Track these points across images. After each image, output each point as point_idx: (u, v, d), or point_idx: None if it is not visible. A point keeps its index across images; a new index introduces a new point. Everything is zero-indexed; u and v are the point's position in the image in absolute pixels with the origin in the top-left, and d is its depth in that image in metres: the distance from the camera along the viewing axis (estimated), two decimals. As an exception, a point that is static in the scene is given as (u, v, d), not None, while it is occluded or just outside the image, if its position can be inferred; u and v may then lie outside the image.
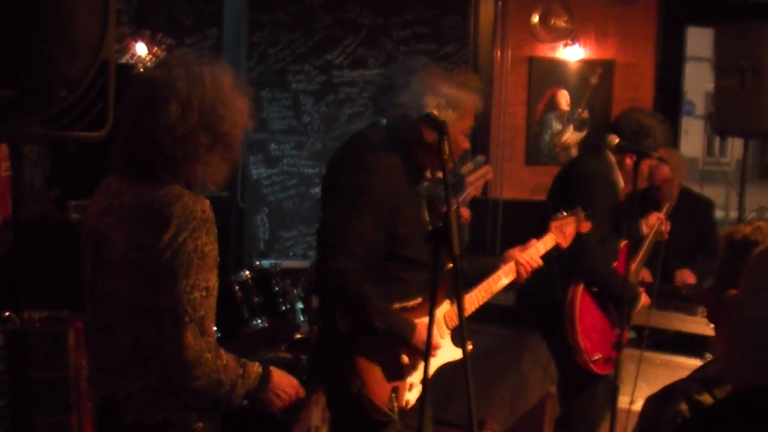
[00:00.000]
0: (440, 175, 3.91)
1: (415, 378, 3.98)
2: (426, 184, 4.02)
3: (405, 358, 3.90)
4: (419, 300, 3.94)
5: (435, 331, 3.93)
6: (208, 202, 2.96)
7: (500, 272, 4.23)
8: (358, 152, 3.98)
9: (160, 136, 2.86)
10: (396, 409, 3.90)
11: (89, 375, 3.24)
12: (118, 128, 2.98)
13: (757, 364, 1.72)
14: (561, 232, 4.45)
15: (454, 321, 4.01)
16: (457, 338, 4.02)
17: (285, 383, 3.24)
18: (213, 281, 2.92)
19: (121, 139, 2.97)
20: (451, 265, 3.89)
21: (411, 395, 3.97)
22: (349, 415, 3.97)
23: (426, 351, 3.42)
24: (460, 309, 3.37)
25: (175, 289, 2.84)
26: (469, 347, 4.00)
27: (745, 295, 1.80)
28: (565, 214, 4.48)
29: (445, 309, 4.03)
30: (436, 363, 3.96)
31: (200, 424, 3.05)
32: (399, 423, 3.94)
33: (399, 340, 3.84)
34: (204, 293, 2.88)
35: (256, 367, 3.08)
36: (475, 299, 4.14)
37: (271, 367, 3.18)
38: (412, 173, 3.95)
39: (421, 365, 3.92)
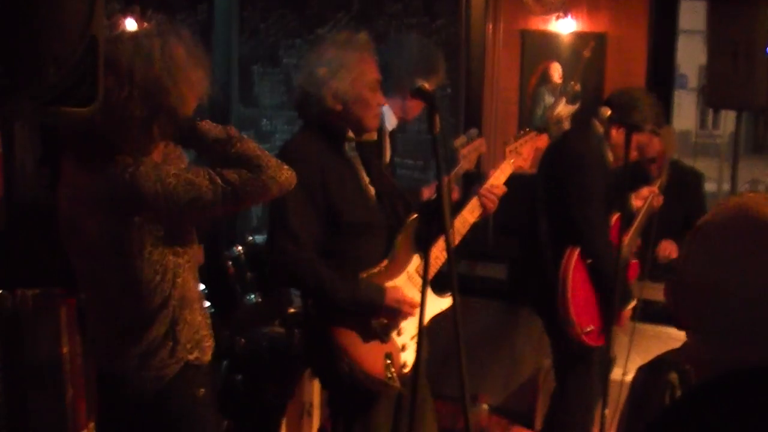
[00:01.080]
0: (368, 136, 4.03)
1: (406, 338, 3.99)
2: (352, 144, 4.03)
3: (383, 321, 3.90)
4: (385, 263, 3.94)
5: (410, 287, 3.94)
6: (179, 150, 3.10)
7: (464, 212, 4.23)
8: (281, 151, 3.96)
9: (109, 100, 2.82)
10: (395, 374, 3.91)
11: (89, 348, 3.26)
12: None
13: (742, 345, 1.71)
14: (518, 155, 4.44)
15: (430, 270, 3.98)
16: (437, 288, 4.03)
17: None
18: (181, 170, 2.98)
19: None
20: (413, 216, 3.92)
21: (406, 355, 3.97)
22: (346, 392, 3.99)
23: (419, 320, 3.43)
24: (454, 291, 3.36)
25: (206, 197, 2.94)
26: (448, 300, 3.99)
27: (721, 272, 1.79)
28: (521, 133, 4.47)
29: (415, 264, 4.04)
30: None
31: (201, 390, 3.10)
32: (401, 388, 3.96)
33: (371, 307, 3.84)
34: (204, 172, 2.98)
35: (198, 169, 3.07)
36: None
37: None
38: (333, 142, 3.95)
39: (408, 325, 3.94)
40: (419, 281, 3.97)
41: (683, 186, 6.14)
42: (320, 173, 3.84)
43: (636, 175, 5.42)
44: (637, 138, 4.81)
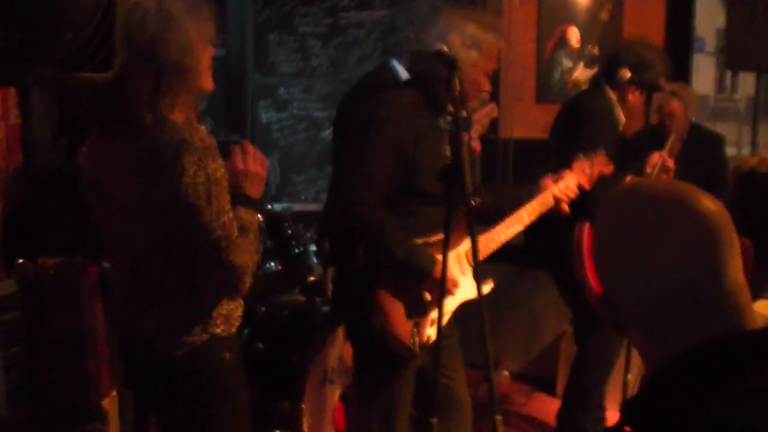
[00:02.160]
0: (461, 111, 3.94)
1: (436, 314, 3.99)
2: (448, 118, 4.01)
3: (426, 294, 3.91)
4: (440, 236, 3.94)
5: (456, 267, 3.95)
6: (203, 128, 2.98)
7: (535, 203, 4.25)
8: (374, 90, 3.96)
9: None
10: (417, 344, 3.92)
11: (115, 313, 3.26)
12: None
13: (671, 331, 1.68)
14: (583, 173, 4.44)
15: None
16: (476, 276, 4.03)
17: (256, 180, 3.21)
18: (229, 201, 2.96)
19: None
20: (476, 200, 3.91)
21: (432, 330, 3.97)
22: (372, 350, 4.00)
23: (440, 288, 3.43)
24: (475, 248, 3.37)
25: (203, 221, 2.87)
26: (490, 286, 4.04)
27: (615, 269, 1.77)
28: (588, 155, 4.46)
29: (467, 246, 4.02)
30: (455, 300, 3.98)
31: (227, 354, 3.11)
32: (420, 358, 3.97)
33: (420, 273, 3.84)
34: (230, 215, 2.93)
35: (245, 216, 3.09)
36: (506, 230, 4.14)
37: (244, 193, 3.15)
38: (432, 107, 3.94)
39: (444, 303, 3.94)
40: (465, 263, 4.03)
41: (704, 149, 6.10)
42: (412, 132, 3.83)
43: (658, 137, 5.39)
44: (656, 98, 4.78)
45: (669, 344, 1.66)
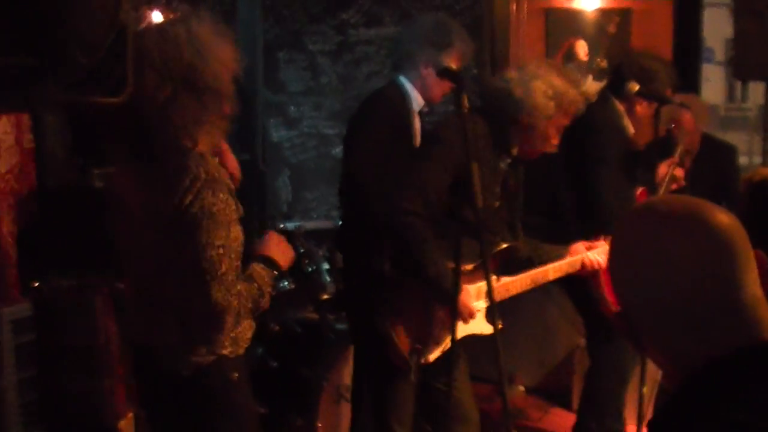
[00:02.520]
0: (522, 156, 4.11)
1: (441, 343, 4.01)
2: (509, 160, 4.07)
3: (441, 314, 3.92)
4: (471, 266, 3.96)
5: (476, 300, 3.96)
6: (214, 161, 3.01)
7: (564, 264, 4.31)
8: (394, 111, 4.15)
9: (143, 109, 2.87)
10: (415, 360, 3.93)
11: (127, 323, 3.29)
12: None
13: (691, 341, 1.68)
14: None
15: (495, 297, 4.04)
16: (490, 315, 4.06)
17: (273, 243, 3.26)
18: (230, 238, 2.94)
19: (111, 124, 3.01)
20: (504, 245, 3.95)
21: (432, 355, 3.99)
22: (370, 352, 4.03)
23: (452, 310, 3.45)
24: (486, 266, 3.38)
25: (191, 249, 2.90)
26: (499, 326, 4.07)
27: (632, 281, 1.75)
28: None
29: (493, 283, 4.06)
30: (464, 330, 3.99)
31: (235, 374, 3.12)
32: (413, 374, 3.99)
33: (443, 297, 3.85)
34: (220, 251, 2.91)
35: (257, 269, 3.12)
36: (530, 280, 4.17)
37: (257, 249, 3.21)
38: (498, 144, 3.97)
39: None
40: (481, 301, 4.06)
41: (716, 160, 6.10)
42: (469, 158, 3.88)
43: (667, 148, 5.39)
44: (665, 109, 4.79)
45: (689, 360, 1.66)
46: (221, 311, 2.95)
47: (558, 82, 3.96)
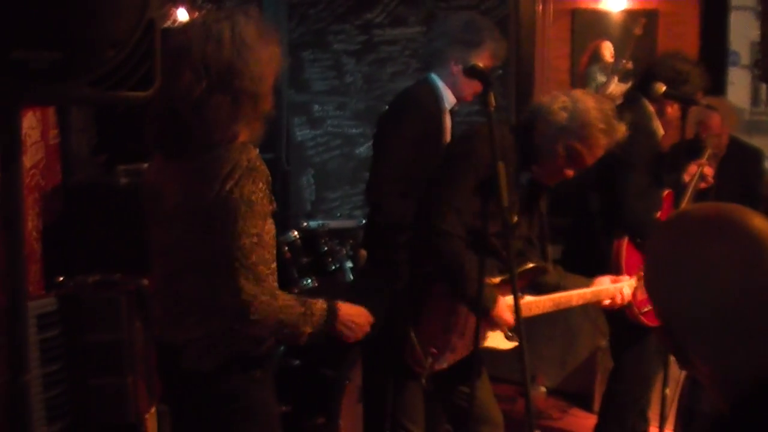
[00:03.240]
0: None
1: (455, 353, 4.02)
2: (527, 177, 4.07)
3: (461, 324, 3.94)
4: (498, 280, 3.97)
5: (507, 313, 3.95)
6: (255, 151, 3.00)
7: (588, 293, 4.33)
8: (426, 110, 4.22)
9: (177, 105, 2.91)
10: (428, 365, 3.94)
11: (154, 321, 3.30)
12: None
13: (742, 353, 1.65)
14: (640, 288, 4.44)
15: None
16: (511, 335, 4.12)
17: (354, 314, 3.27)
18: (265, 229, 2.94)
19: (149, 118, 3.02)
20: (531, 265, 3.95)
21: (445, 362, 4.02)
22: (385, 354, 4.04)
23: (476, 330, 3.44)
24: (510, 261, 3.37)
25: (225, 236, 2.90)
26: (514, 344, 4.09)
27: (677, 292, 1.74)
28: None
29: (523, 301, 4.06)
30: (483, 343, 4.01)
31: (257, 372, 3.12)
32: (424, 380, 3.99)
33: (482, 311, 3.85)
34: (255, 239, 2.91)
35: (320, 304, 3.11)
36: (552, 303, 4.19)
37: (339, 302, 3.21)
38: (520, 160, 3.96)
39: (469, 343, 3.98)
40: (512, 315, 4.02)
41: (743, 163, 6.08)
42: (495, 157, 3.90)
43: (691, 150, 5.38)
44: (692, 111, 4.77)
45: (739, 376, 1.64)
46: (247, 303, 2.90)
47: (592, 121, 3.94)
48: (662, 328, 1.77)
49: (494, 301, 3.90)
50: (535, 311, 4.14)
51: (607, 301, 4.36)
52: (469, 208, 3.83)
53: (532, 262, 4.14)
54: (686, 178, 5.16)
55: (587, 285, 4.31)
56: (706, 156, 5.26)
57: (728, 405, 1.66)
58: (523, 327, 3.30)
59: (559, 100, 3.94)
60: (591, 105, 3.93)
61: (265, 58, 3.01)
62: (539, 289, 4.10)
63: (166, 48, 2.83)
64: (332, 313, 3.15)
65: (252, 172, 2.92)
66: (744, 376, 1.62)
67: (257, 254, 2.91)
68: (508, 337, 4.08)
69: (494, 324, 3.93)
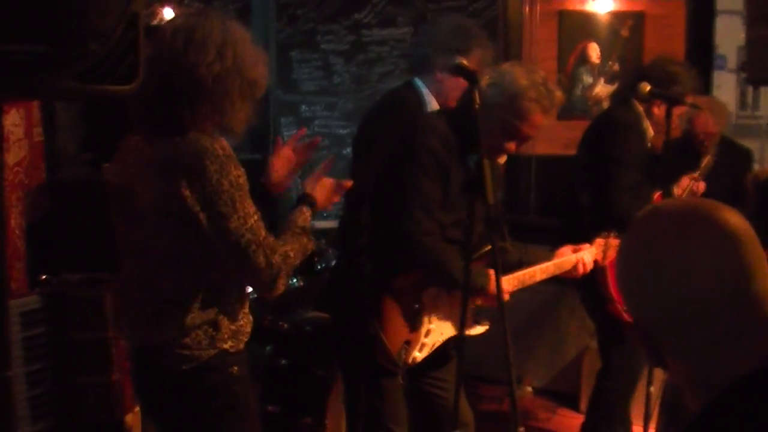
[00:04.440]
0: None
1: (428, 340, 4.00)
2: (474, 158, 4.03)
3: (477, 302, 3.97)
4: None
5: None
6: (223, 139, 3.07)
7: (551, 265, 4.27)
8: (407, 112, 4.10)
9: (201, 70, 2.96)
10: (403, 360, 3.93)
11: (125, 326, 3.30)
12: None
13: (719, 355, 1.64)
14: (602, 252, 4.43)
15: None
16: (480, 316, 4.12)
17: (326, 191, 3.45)
18: (255, 204, 3.05)
19: (148, 85, 3.01)
20: (490, 247, 3.94)
21: (419, 354, 3.99)
22: (358, 355, 4.03)
23: (462, 303, 3.44)
24: (496, 260, 3.37)
25: (231, 226, 2.95)
26: (486, 327, 4.07)
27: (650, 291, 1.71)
28: (611, 236, 4.44)
29: None
30: (451, 332, 4.03)
31: (235, 368, 3.13)
32: (401, 376, 3.99)
33: (477, 290, 3.87)
34: (255, 217, 3.00)
35: (304, 215, 3.30)
36: (518, 280, 4.15)
37: (309, 193, 3.38)
38: (465, 144, 3.94)
39: (435, 329, 3.96)
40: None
41: (733, 163, 6.10)
42: (448, 157, 3.88)
43: (687, 152, 5.39)
44: (679, 111, 4.78)
45: (710, 365, 1.63)
46: (273, 276, 3.03)
47: (523, 86, 3.90)
48: (635, 326, 1.75)
49: (486, 277, 3.87)
50: (512, 288, 4.12)
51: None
52: (434, 202, 3.84)
53: (491, 244, 4.11)
54: (677, 191, 5.19)
55: (549, 258, 4.29)
56: (704, 163, 5.28)
57: (700, 405, 1.64)
58: (506, 313, 3.30)
59: (485, 77, 3.90)
60: (518, 76, 3.88)
61: (261, 61, 3.14)
62: (503, 268, 4.05)
63: (182, 22, 3.04)
64: (314, 208, 3.34)
65: (231, 159, 2.98)
66: (719, 376, 1.61)
67: (262, 228, 3.02)
68: (477, 321, 4.07)
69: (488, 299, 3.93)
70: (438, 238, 3.87)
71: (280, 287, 3.08)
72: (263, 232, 3.00)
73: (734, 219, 1.66)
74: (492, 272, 3.79)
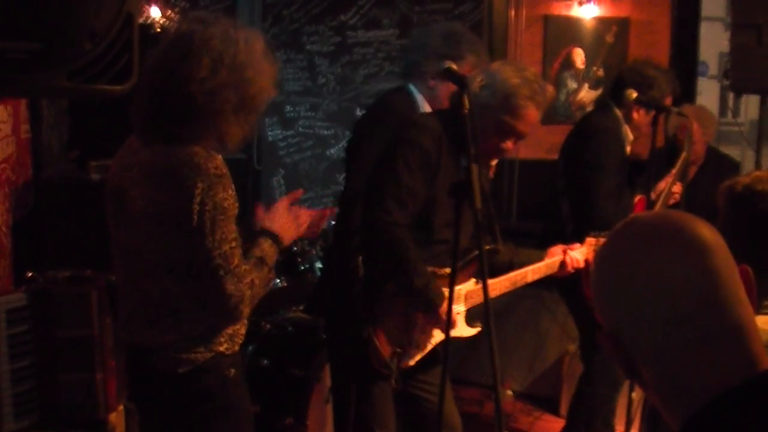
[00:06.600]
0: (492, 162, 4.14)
1: (421, 344, 4.01)
2: (466, 158, 4.04)
3: (421, 319, 3.93)
4: (448, 270, 3.96)
5: (454, 306, 3.95)
6: (220, 157, 3.03)
7: (542, 266, 4.30)
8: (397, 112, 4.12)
9: (192, 87, 2.92)
10: (395, 365, 3.94)
11: (121, 323, 3.30)
12: (141, 86, 3.04)
13: (693, 369, 1.65)
14: (594, 251, 4.44)
15: (474, 300, 4.04)
16: (471, 318, 4.13)
17: (287, 224, 3.30)
18: (236, 231, 3.01)
19: (144, 96, 3.00)
20: (483, 248, 3.94)
21: (412, 359, 4.00)
22: (350, 358, 4.03)
23: (447, 322, 3.45)
24: (483, 267, 3.38)
25: (204, 246, 2.93)
26: (478, 329, 4.08)
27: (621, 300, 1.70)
28: (602, 235, 4.46)
29: (468, 287, 4.06)
30: (440, 336, 4.00)
31: (232, 370, 3.13)
32: (394, 380, 3.99)
33: (428, 306, 3.86)
34: (233, 244, 2.97)
35: (265, 246, 3.17)
36: (508, 283, 4.17)
37: (268, 224, 3.25)
38: (457, 145, 3.94)
39: (432, 335, 3.97)
40: (462, 303, 4.08)
41: (720, 173, 6.12)
42: (438, 156, 3.87)
43: (670, 156, 5.42)
44: (670, 120, 4.83)
45: (686, 377, 1.64)
46: (237, 303, 2.99)
47: (517, 83, 3.91)
48: (608, 334, 1.75)
49: (441, 298, 3.85)
50: (493, 294, 4.12)
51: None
52: (412, 197, 3.84)
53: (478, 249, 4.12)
54: (653, 196, 5.21)
55: (540, 258, 4.31)
56: (680, 161, 5.29)
57: (678, 422, 1.65)
58: (492, 318, 3.31)
59: (477, 80, 3.91)
60: (510, 75, 3.90)
61: (268, 73, 3.09)
62: (493, 270, 4.06)
63: (181, 32, 2.98)
64: (276, 241, 3.23)
65: (222, 179, 2.96)
66: (692, 385, 1.62)
67: (236, 256, 2.99)
68: (469, 323, 4.08)
69: (437, 321, 3.91)
70: (406, 231, 3.84)
71: (242, 315, 3.08)
72: (236, 260, 2.97)
73: (703, 229, 1.67)
74: (447, 293, 3.81)
